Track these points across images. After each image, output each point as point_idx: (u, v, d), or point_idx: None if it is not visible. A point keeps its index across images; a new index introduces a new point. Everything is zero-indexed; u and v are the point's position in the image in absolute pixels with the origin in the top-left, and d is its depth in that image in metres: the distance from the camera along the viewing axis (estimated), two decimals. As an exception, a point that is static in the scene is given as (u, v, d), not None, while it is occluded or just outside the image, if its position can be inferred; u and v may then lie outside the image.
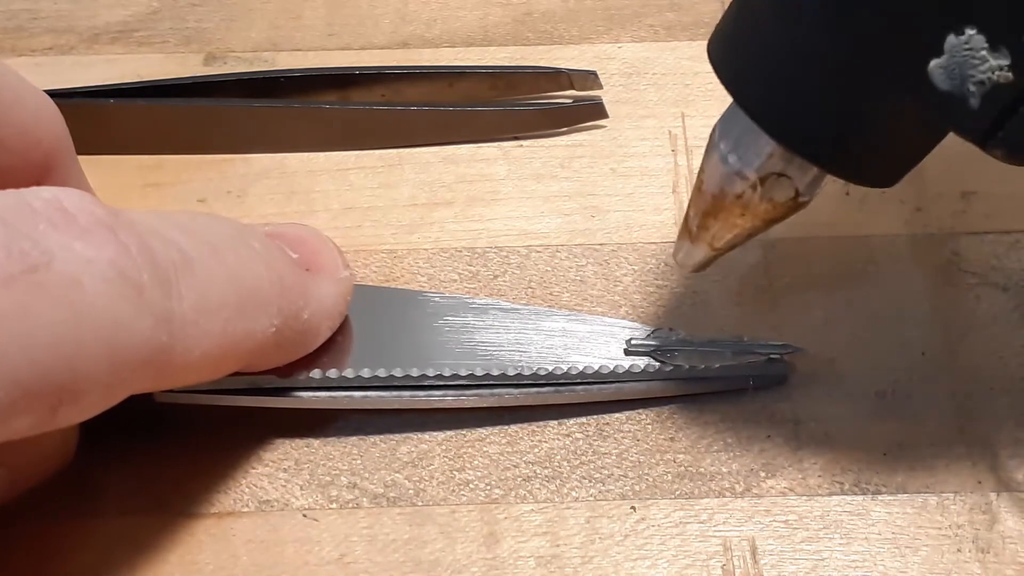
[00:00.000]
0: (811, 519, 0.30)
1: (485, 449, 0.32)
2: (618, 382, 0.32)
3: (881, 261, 0.35)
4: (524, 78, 0.39)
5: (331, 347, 0.31)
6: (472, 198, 0.37)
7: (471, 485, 0.31)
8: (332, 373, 0.31)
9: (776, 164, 0.28)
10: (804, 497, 0.31)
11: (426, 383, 0.31)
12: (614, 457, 0.31)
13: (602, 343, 0.32)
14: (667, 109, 0.39)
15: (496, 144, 0.38)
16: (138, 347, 0.24)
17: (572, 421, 0.32)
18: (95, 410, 0.24)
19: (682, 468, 0.31)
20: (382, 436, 0.32)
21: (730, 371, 0.32)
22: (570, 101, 0.39)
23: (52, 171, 0.28)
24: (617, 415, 0.32)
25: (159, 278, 0.24)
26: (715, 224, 0.30)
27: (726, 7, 0.28)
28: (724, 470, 0.31)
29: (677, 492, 0.31)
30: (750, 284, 0.35)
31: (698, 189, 0.30)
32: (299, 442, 0.32)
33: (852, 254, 0.35)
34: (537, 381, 0.32)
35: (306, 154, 0.38)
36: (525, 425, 0.32)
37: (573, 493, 0.31)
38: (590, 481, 0.31)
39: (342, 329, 0.32)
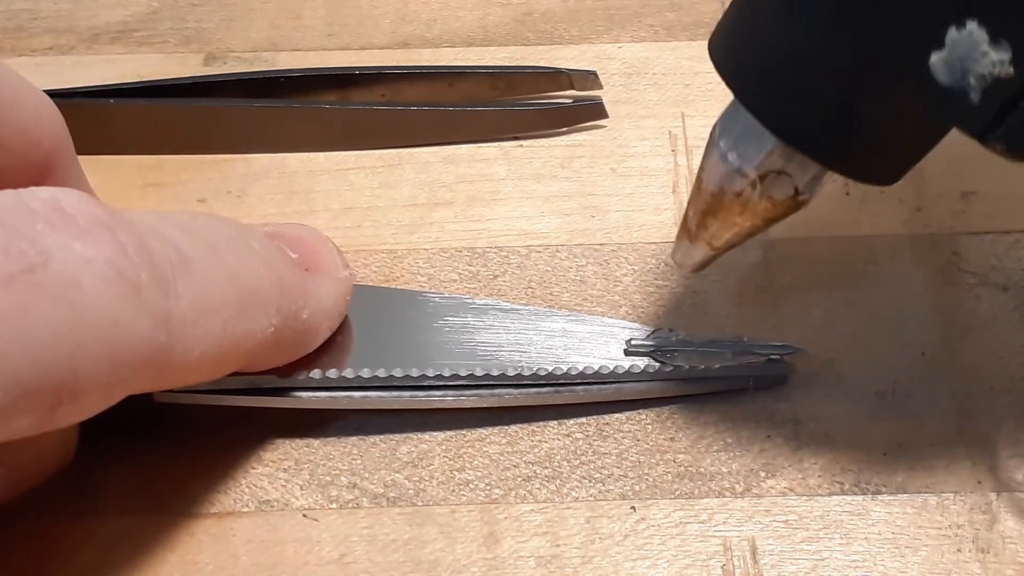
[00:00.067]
0: (811, 519, 0.30)
1: (485, 449, 0.32)
2: (618, 382, 0.32)
3: (881, 261, 0.35)
4: (524, 78, 0.39)
5: (331, 347, 0.31)
6: (472, 198, 0.37)
7: (471, 485, 0.31)
8: (332, 373, 0.31)
9: (776, 162, 0.28)
10: (804, 497, 0.31)
11: (426, 383, 0.31)
12: (614, 457, 0.31)
13: (602, 343, 0.32)
14: (667, 109, 0.39)
15: (496, 144, 0.38)
16: (137, 347, 0.24)
17: (572, 421, 0.32)
18: (95, 410, 0.24)
19: (682, 468, 0.31)
20: (382, 436, 0.32)
21: (730, 371, 0.32)
22: (570, 101, 0.39)
23: (52, 171, 0.28)
24: (617, 415, 0.32)
25: (157, 278, 0.24)
26: (714, 223, 0.30)
27: (727, 6, 0.28)
28: (724, 470, 0.31)
29: (677, 492, 0.31)
30: (750, 284, 0.35)
31: (697, 188, 0.30)
32: (299, 442, 0.32)
33: (852, 254, 0.35)
34: (537, 381, 0.32)
35: (306, 154, 0.38)
36: (525, 425, 0.32)
37: (573, 493, 0.31)
38: (590, 481, 0.31)
39: (342, 329, 0.32)
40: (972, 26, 0.23)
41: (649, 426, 0.32)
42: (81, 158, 0.30)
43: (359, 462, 0.31)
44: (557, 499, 0.31)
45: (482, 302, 0.33)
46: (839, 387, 0.32)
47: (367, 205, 0.37)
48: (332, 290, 0.31)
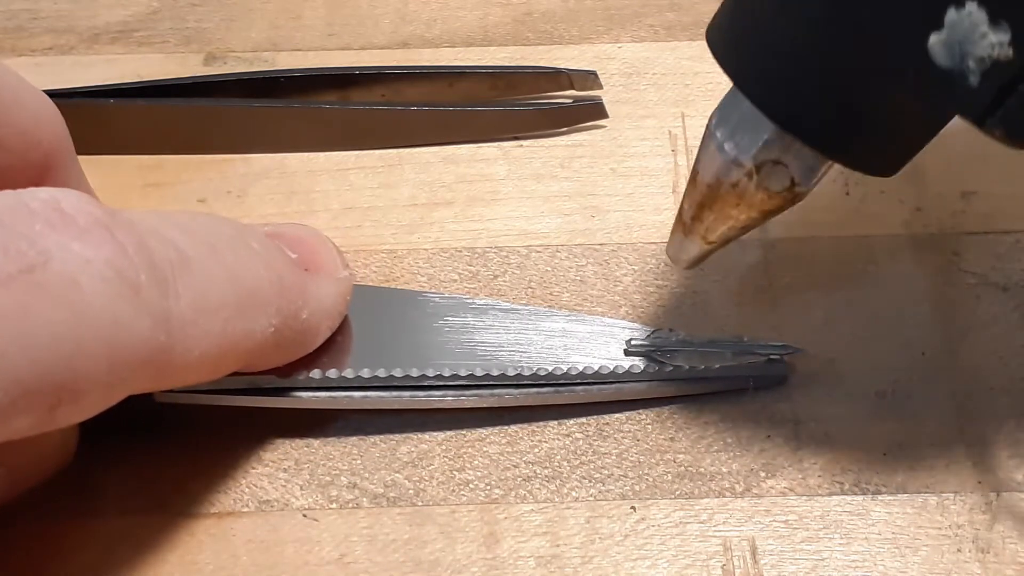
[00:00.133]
0: (811, 519, 0.30)
1: (485, 449, 0.32)
2: (618, 382, 0.32)
3: (881, 261, 0.35)
4: (524, 78, 0.39)
5: (331, 347, 0.31)
6: (472, 198, 0.37)
7: (471, 485, 0.31)
8: (332, 373, 0.31)
9: (772, 151, 0.28)
10: (804, 497, 0.31)
11: (426, 383, 0.31)
12: (614, 457, 0.31)
13: (602, 343, 0.32)
14: (667, 109, 0.39)
15: (496, 144, 0.38)
16: (137, 347, 0.24)
17: (572, 421, 0.32)
18: (95, 410, 0.24)
19: (682, 468, 0.31)
20: (382, 436, 0.32)
21: (730, 371, 0.32)
22: (570, 101, 0.39)
23: (52, 171, 0.28)
24: (617, 415, 0.32)
25: (156, 278, 0.24)
26: (710, 216, 0.29)
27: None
28: (724, 470, 0.31)
29: (677, 492, 0.31)
30: (750, 284, 0.35)
31: (693, 180, 0.30)
32: (299, 442, 0.32)
33: (852, 254, 0.35)
34: (537, 381, 0.32)
35: (306, 154, 0.38)
36: (525, 425, 0.32)
37: (573, 493, 0.31)
38: (590, 481, 0.31)
39: (342, 329, 0.32)
40: (972, 7, 0.23)
41: (649, 426, 0.32)
42: (81, 158, 0.30)
43: (359, 462, 0.31)
44: (557, 499, 0.31)
45: (482, 302, 0.33)
46: (839, 387, 0.32)
47: (367, 205, 0.37)
48: (332, 290, 0.31)
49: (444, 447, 0.32)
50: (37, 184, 0.25)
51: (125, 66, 0.40)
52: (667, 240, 0.31)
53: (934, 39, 0.24)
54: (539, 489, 0.31)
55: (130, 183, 0.37)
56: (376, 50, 0.41)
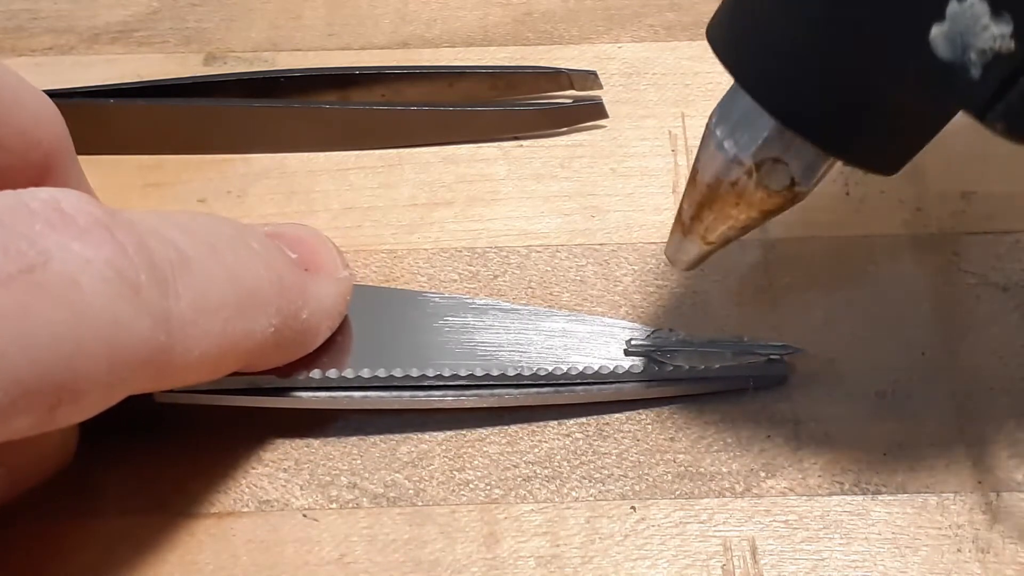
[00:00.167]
0: (811, 519, 0.30)
1: (485, 449, 0.32)
2: (618, 382, 0.32)
3: (881, 261, 0.35)
4: (524, 78, 0.39)
5: (331, 347, 0.31)
6: (472, 198, 0.37)
7: (471, 485, 0.31)
8: (332, 373, 0.31)
9: (772, 149, 0.28)
10: (804, 497, 0.31)
11: (426, 383, 0.31)
12: (614, 457, 0.31)
13: (602, 343, 0.32)
14: (667, 109, 0.39)
15: (496, 144, 0.38)
16: (137, 347, 0.24)
17: (572, 421, 0.32)
18: (95, 410, 0.24)
19: (682, 468, 0.31)
20: (382, 436, 0.32)
21: (730, 371, 0.32)
22: (570, 101, 0.39)
23: (52, 171, 0.28)
24: (617, 415, 0.32)
25: (156, 278, 0.24)
26: (709, 215, 0.29)
27: None
28: (724, 470, 0.31)
29: (677, 492, 0.31)
30: (750, 284, 0.35)
31: (692, 179, 0.29)
32: (299, 442, 0.32)
33: (852, 254, 0.35)
34: (537, 381, 0.32)
35: (306, 154, 0.38)
36: (525, 425, 0.32)
37: (573, 493, 0.31)
38: (590, 481, 0.31)
39: (342, 329, 0.32)
40: None
41: (649, 426, 0.32)
42: (81, 158, 0.30)
43: (359, 462, 0.31)
44: (557, 499, 0.31)
45: (482, 302, 0.33)
46: (839, 387, 0.32)
47: (367, 205, 0.37)
48: (332, 290, 0.31)
49: (444, 447, 0.32)
50: (37, 184, 0.25)
51: (125, 66, 0.40)
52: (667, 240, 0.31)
53: (936, 31, 0.24)
54: (539, 489, 0.31)
55: (130, 183, 0.37)
56: (376, 50, 0.41)
